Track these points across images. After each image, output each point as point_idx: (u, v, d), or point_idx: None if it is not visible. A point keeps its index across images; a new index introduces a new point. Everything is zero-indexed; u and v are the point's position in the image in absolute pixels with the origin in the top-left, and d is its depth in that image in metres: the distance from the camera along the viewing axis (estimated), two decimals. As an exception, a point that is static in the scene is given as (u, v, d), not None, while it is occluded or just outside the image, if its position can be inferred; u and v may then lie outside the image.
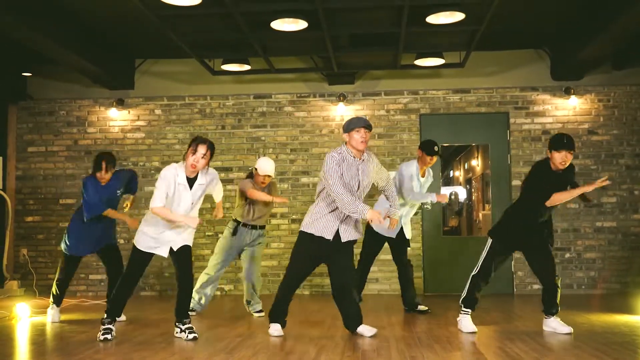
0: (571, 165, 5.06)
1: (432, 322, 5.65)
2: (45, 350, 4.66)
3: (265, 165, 5.97)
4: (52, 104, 8.66)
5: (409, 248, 6.36)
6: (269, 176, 6.01)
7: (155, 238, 4.90)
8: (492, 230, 5.27)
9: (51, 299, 5.98)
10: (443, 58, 7.45)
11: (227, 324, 5.67)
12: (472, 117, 8.29)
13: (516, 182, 8.14)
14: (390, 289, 8.05)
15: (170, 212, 4.78)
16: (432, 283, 8.12)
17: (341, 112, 8.34)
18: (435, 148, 6.08)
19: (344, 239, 4.89)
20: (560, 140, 4.89)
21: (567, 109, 8.16)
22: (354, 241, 5.02)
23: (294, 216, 8.28)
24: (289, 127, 8.43)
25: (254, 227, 6.13)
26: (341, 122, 8.33)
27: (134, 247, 4.96)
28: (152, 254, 4.96)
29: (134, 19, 6.84)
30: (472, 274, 5.17)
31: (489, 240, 5.16)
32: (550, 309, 5.13)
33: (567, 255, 8.04)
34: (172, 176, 4.80)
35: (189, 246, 5.01)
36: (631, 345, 4.47)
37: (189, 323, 4.96)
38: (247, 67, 7.70)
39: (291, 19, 6.08)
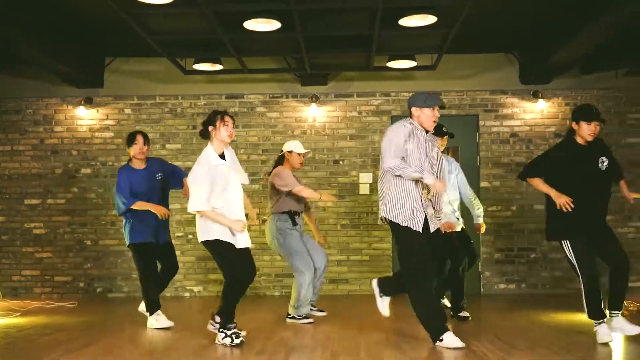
0: (603, 143, 4.91)
1: (403, 322, 5.73)
2: (8, 353, 4.60)
3: (299, 144, 6.01)
4: (19, 103, 8.54)
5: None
6: (303, 154, 6.01)
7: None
8: (551, 233, 4.97)
9: (145, 308, 5.68)
10: (415, 60, 7.56)
11: (195, 327, 5.66)
12: (443, 119, 8.28)
13: (485, 184, 8.30)
14: (360, 290, 8.11)
15: (222, 216, 4.67)
16: (402, 284, 8.19)
17: (313, 113, 8.39)
18: (444, 129, 5.86)
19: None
20: (590, 111, 4.73)
21: (535, 112, 8.34)
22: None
23: (264, 217, 8.28)
24: (261, 128, 8.45)
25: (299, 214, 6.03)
26: (313, 123, 8.39)
27: (217, 242, 4.72)
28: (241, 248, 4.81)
29: (104, 16, 6.79)
30: (582, 286, 4.70)
31: (563, 243, 4.82)
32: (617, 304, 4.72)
33: (533, 255, 8.21)
34: (207, 163, 4.69)
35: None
36: (596, 345, 4.59)
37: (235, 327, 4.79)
38: (219, 67, 7.69)
39: (265, 19, 6.10)
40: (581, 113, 4.78)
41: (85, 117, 8.50)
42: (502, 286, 8.11)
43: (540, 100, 8.29)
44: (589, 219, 4.75)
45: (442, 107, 4.64)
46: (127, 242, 5.63)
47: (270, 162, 8.36)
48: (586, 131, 4.74)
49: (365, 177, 8.29)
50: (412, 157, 4.53)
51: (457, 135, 8.36)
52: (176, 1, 5.63)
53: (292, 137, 8.37)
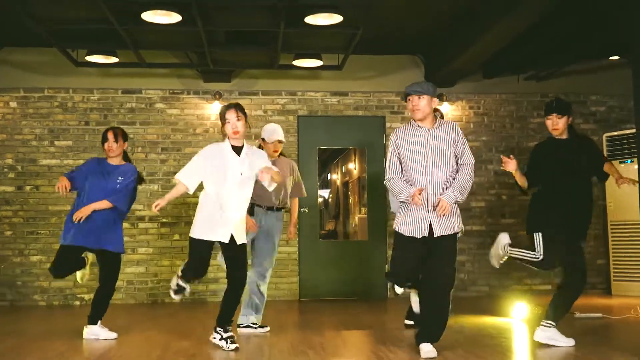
0: (585, 138, 4.89)
1: (307, 328, 5.72)
2: None
3: (272, 129, 5.62)
4: None
5: None
6: (280, 141, 5.64)
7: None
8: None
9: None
10: (321, 60, 7.59)
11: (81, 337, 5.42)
12: (350, 120, 8.50)
13: (391, 186, 8.43)
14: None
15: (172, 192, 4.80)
16: (307, 288, 8.21)
17: (216, 110, 8.24)
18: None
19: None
20: (547, 106, 4.78)
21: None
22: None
23: (164, 219, 8.07)
24: (160, 125, 8.22)
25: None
26: (217, 121, 8.24)
27: (191, 240, 4.68)
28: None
29: (-15, 1, 6.40)
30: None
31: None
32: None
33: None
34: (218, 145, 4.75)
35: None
36: (500, 347, 4.73)
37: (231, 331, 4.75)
38: (114, 60, 7.43)
39: (164, 11, 5.94)
40: (544, 110, 4.84)
41: (-35, 111, 8.00)
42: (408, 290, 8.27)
43: (445, 104, 8.52)
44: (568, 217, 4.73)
45: (414, 93, 4.41)
46: None
47: (169, 161, 8.15)
48: (549, 127, 4.81)
49: (270, 179, 8.23)
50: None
51: (364, 136, 8.53)
52: (66, -13, 5.38)
53: (193, 135, 8.20)
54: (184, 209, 7.97)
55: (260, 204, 5.60)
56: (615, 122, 8.80)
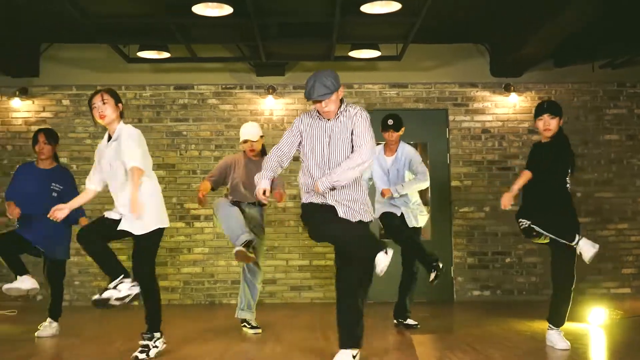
0: (558, 138, 4.87)
1: (368, 332, 5.61)
2: None
3: (241, 131, 5.73)
4: (-55, 93, 8.20)
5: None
6: (247, 141, 5.69)
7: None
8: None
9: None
10: (379, 50, 7.47)
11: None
12: (410, 113, 8.33)
13: (455, 183, 8.25)
14: (325, 297, 7.98)
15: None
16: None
17: (270, 105, 8.23)
18: (389, 122, 5.75)
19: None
20: (540, 106, 4.84)
21: (507, 106, 8.32)
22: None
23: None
24: (213, 121, 8.26)
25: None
26: (270, 116, 8.23)
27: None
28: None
29: (37, -3, 6.54)
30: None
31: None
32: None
33: (508, 260, 8.19)
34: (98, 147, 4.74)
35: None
36: (575, 355, 4.56)
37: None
38: (166, 55, 7.51)
39: (215, 4, 5.97)
40: (535, 111, 4.89)
41: (21, 109, 8.21)
42: (476, 293, 8.07)
43: (513, 94, 8.27)
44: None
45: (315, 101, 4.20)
46: None
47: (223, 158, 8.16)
48: (540, 128, 4.83)
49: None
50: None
51: (425, 131, 8.35)
52: (116, -19, 5.44)
53: (247, 132, 8.19)
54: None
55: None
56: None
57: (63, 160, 8.06)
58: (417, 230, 5.98)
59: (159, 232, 4.58)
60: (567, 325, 5.60)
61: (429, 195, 8.34)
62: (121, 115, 4.66)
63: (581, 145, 8.27)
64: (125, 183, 4.47)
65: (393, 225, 5.88)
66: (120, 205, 4.50)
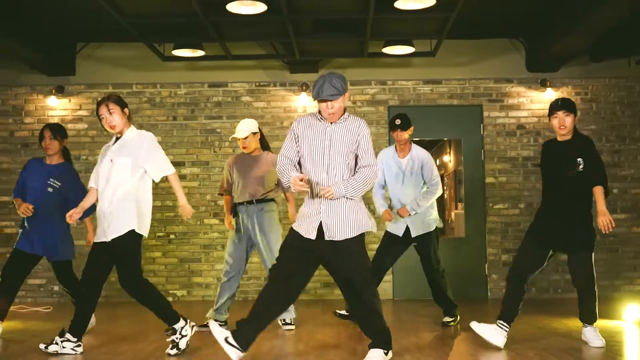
0: (584, 138, 4.85)
1: (402, 329, 5.64)
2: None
3: (238, 127, 5.77)
4: (-17, 92, 8.41)
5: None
6: (238, 139, 5.74)
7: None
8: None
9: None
10: (413, 46, 7.46)
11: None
12: (444, 109, 8.33)
13: (490, 180, 8.21)
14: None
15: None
16: (401, 288, 8.12)
17: (304, 102, 8.28)
18: (397, 121, 5.68)
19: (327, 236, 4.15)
20: (552, 104, 4.80)
21: (543, 102, 8.25)
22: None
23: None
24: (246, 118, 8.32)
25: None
26: (303, 113, 8.28)
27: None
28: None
29: (75, -3, 6.68)
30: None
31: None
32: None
33: (543, 257, 8.12)
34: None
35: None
36: (610, 352, 4.55)
37: None
38: (200, 53, 7.60)
39: (249, 2, 6.01)
40: (548, 110, 4.84)
41: (57, 108, 8.37)
42: (507, 289, 8.02)
43: (549, 90, 8.20)
44: (553, 224, 4.83)
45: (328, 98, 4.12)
46: None
47: (257, 156, 8.25)
48: (555, 126, 4.78)
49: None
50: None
51: (460, 127, 8.33)
52: (152, -19, 5.53)
53: (280, 128, 8.26)
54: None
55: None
56: None
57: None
58: (427, 238, 5.82)
59: (134, 236, 4.61)
60: (602, 323, 5.57)
61: (463, 191, 8.33)
62: (129, 119, 4.75)
63: (618, 141, 8.19)
64: (118, 179, 4.57)
65: (388, 248, 5.86)
66: (105, 202, 4.58)
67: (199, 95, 8.35)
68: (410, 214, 5.69)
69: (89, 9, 6.84)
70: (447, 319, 5.89)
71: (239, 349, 3.97)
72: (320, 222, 4.08)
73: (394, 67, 8.31)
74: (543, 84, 8.18)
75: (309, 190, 4.10)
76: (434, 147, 9.22)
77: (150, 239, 8.14)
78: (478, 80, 8.31)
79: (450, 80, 8.31)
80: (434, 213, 5.91)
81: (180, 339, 4.61)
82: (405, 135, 5.73)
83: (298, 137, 4.23)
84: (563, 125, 4.73)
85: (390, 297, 8.06)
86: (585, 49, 7.75)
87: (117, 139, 4.73)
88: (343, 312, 5.91)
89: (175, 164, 8.07)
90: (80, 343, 4.63)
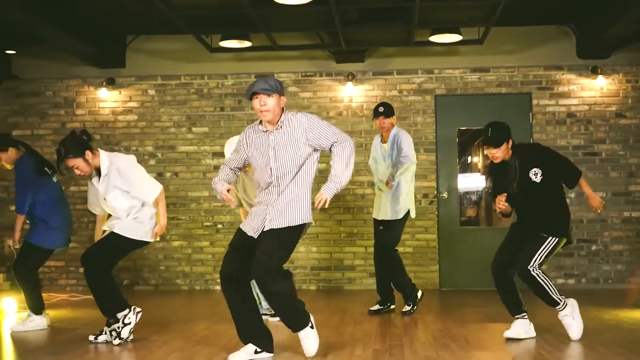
0: (528, 149, 5.18)
1: (449, 320, 5.69)
2: (33, 348, 4.72)
3: None
4: (37, 84, 8.67)
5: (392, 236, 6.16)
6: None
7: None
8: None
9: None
10: (460, 34, 7.44)
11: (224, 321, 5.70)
12: (492, 98, 8.28)
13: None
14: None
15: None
16: (448, 277, 8.15)
17: (350, 92, 8.34)
18: (380, 109, 6.10)
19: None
20: (484, 135, 5.07)
21: (594, 89, 8.14)
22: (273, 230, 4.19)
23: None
24: (293, 109, 8.32)
25: None
26: (350, 103, 8.34)
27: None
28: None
29: (125, -9, 6.85)
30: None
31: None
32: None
33: (594, 247, 8.05)
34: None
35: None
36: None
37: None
38: (247, 44, 7.70)
39: (296, -8, 6.08)
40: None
41: (108, 99, 8.60)
42: (560, 281, 7.97)
43: (600, 77, 8.09)
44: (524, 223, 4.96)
45: (263, 90, 4.09)
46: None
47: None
48: (489, 155, 4.96)
49: (407, 162, 8.22)
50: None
51: (508, 115, 8.26)
52: (201, -26, 5.64)
53: (326, 118, 8.33)
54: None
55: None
56: None
57: (149, 148, 8.47)
58: (388, 224, 6.10)
59: (130, 241, 4.95)
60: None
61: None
62: (93, 155, 4.87)
63: (673, 129, 8.04)
64: (122, 207, 4.92)
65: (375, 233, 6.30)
66: (115, 219, 4.99)
67: (246, 86, 8.45)
68: (392, 184, 5.99)
69: (138, 2, 7.02)
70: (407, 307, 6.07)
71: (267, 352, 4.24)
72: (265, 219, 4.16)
73: (441, 55, 8.29)
74: (594, 71, 8.07)
75: (236, 203, 4.50)
76: (481, 137, 9.15)
77: (197, 228, 8.33)
78: (527, 67, 8.24)
79: (499, 68, 8.27)
80: (403, 203, 6.08)
81: (123, 327, 4.78)
82: (387, 122, 6.09)
83: (246, 148, 4.31)
84: (495, 157, 4.98)
85: (437, 287, 8.09)
86: (637, 35, 7.61)
87: (98, 171, 4.91)
88: (375, 307, 6.12)
89: (222, 155, 8.25)
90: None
